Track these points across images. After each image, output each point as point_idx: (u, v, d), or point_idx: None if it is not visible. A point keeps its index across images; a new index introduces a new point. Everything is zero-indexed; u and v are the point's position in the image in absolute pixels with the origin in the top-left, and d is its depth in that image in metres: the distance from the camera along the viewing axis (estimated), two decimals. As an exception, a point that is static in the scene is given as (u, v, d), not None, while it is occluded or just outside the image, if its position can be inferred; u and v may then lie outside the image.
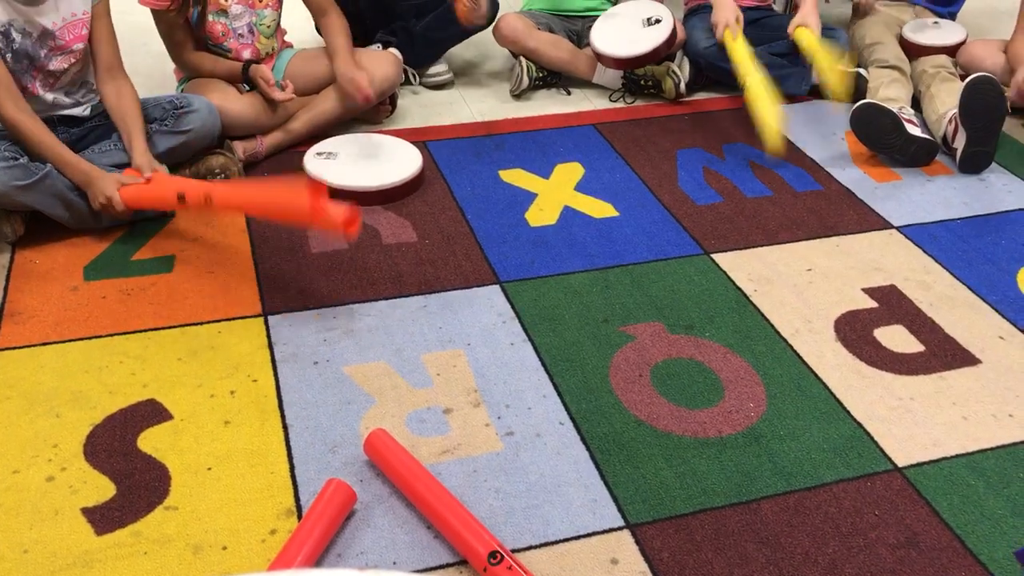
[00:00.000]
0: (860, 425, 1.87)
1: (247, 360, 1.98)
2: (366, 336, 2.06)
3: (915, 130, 2.78)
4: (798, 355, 2.05)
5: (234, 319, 2.10)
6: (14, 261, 2.27)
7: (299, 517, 1.63)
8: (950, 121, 2.80)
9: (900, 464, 1.78)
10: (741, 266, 2.33)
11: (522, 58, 3.15)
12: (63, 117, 2.38)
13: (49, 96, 2.33)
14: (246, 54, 2.69)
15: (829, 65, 2.89)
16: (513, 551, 1.57)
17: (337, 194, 2.52)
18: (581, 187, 2.66)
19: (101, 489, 1.67)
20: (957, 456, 1.80)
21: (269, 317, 2.11)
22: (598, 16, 3.19)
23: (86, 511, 1.63)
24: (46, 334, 2.04)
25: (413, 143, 2.74)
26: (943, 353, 2.07)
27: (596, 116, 3.07)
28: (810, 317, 2.16)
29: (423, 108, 3.10)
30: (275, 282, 2.21)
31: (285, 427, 1.82)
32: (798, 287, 2.26)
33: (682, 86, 3.11)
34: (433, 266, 2.30)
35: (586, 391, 1.93)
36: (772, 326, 2.13)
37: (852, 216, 2.56)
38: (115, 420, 1.82)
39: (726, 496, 1.70)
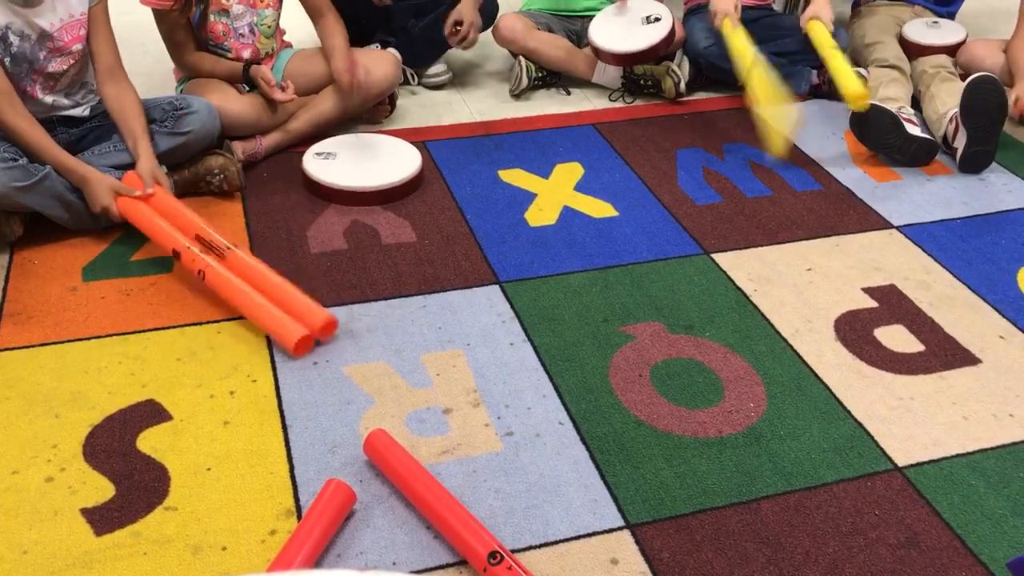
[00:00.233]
0: (860, 425, 1.87)
1: (246, 360, 1.98)
2: (366, 336, 2.06)
3: (915, 130, 2.78)
4: (798, 355, 2.04)
5: (234, 319, 2.09)
6: (13, 262, 2.27)
7: (299, 517, 1.63)
8: (951, 121, 2.79)
9: (900, 464, 1.78)
10: (741, 266, 2.33)
11: (521, 58, 3.15)
12: (62, 118, 2.38)
13: (49, 98, 2.33)
14: (246, 54, 2.69)
15: (840, 67, 2.81)
16: (513, 551, 1.57)
17: (337, 194, 2.53)
18: (581, 187, 2.66)
19: (100, 490, 1.67)
20: (957, 456, 1.80)
21: (268, 317, 2.11)
22: (599, 13, 3.19)
23: (85, 512, 1.63)
24: (45, 334, 2.04)
25: (412, 143, 2.74)
26: (943, 353, 2.07)
27: (596, 116, 3.07)
28: (810, 317, 2.16)
29: (422, 108, 3.10)
30: (274, 282, 2.21)
31: (284, 427, 1.82)
32: (798, 287, 2.26)
33: (682, 86, 3.10)
34: (432, 266, 2.30)
35: (586, 391, 1.92)
36: (772, 326, 2.13)
37: (852, 216, 2.56)
38: (114, 420, 1.82)
39: (726, 496, 1.70)
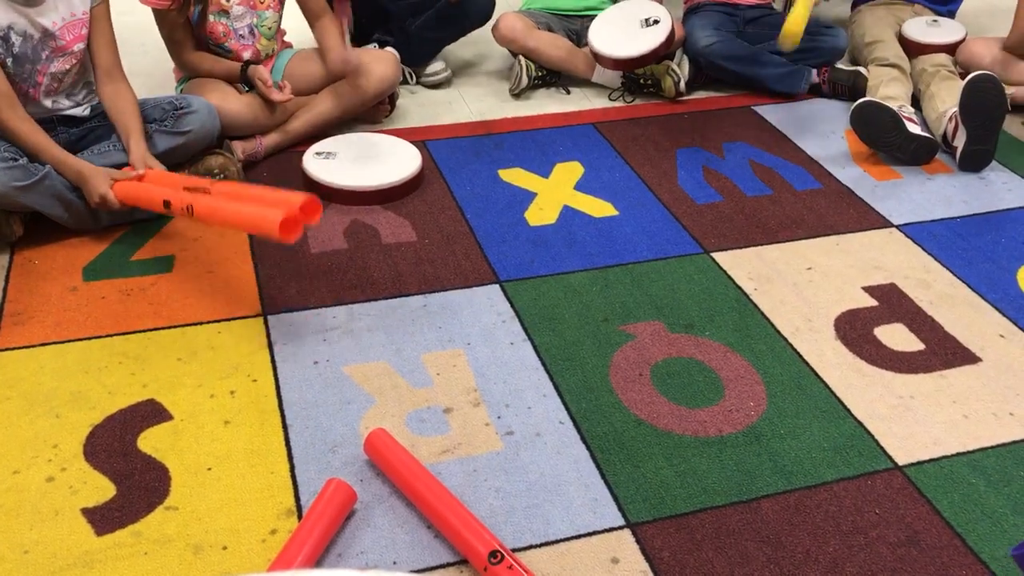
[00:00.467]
0: (860, 424, 1.87)
1: (247, 360, 1.98)
2: (366, 336, 2.06)
3: (915, 128, 2.78)
4: (798, 354, 2.04)
5: (234, 319, 2.10)
6: (13, 262, 2.27)
7: (299, 517, 1.63)
8: (950, 119, 2.79)
9: (901, 463, 1.78)
10: (741, 265, 2.33)
11: (521, 57, 3.15)
12: (63, 117, 2.38)
13: (50, 99, 2.34)
14: (246, 55, 2.69)
15: (799, 8, 2.89)
16: (513, 550, 1.57)
17: (337, 194, 2.53)
18: (581, 186, 2.66)
19: (101, 489, 1.67)
20: (958, 454, 1.80)
21: (269, 317, 2.11)
22: (597, 15, 3.19)
23: (86, 511, 1.63)
24: (46, 335, 2.04)
25: (412, 143, 2.74)
26: (943, 351, 2.07)
27: (595, 115, 3.07)
28: (810, 316, 2.16)
29: (422, 108, 3.10)
30: (275, 282, 2.21)
31: (285, 427, 1.82)
32: (798, 286, 2.26)
33: (681, 85, 3.10)
34: (433, 266, 2.30)
35: (586, 390, 1.93)
36: (772, 325, 2.13)
37: (852, 214, 2.56)
38: (115, 420, 1.82)
39: (726, 495, 1.70)
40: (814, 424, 1.86)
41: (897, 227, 2.51)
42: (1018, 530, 1.65)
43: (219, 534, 1.60)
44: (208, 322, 2.09)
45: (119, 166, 2.33)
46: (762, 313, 2.16)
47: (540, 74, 3.18)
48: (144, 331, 2.06)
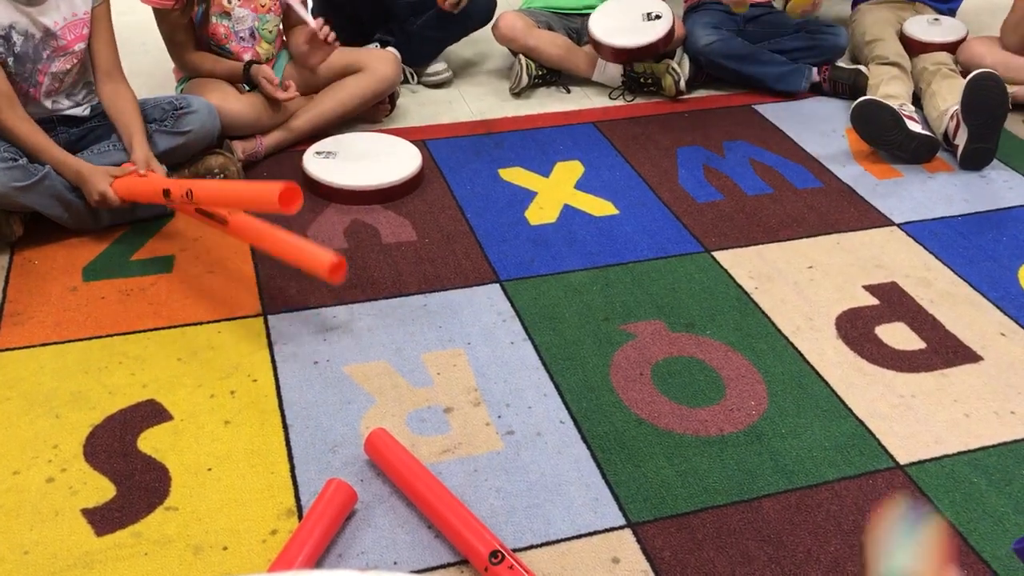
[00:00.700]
0: (862, 423, 1.86)
1: (247, 360, 1.98)
2: (366, 335, 2.06)
3: (916, 127, 2.78)
4: (799, 353, 2.04)
5: (234, 319, 2.09)
6: (13, 262, 2.26)
7: (300, 517, 1.62)
8: (952, 118, 2.79)
9: (902, 462, 1.78)
10: (742, 264, 2.33)
11: (521, 56, 3.14)
12: (63, 117, 2.38)
13: (50, 99, 2.33)
14: (247, 56, 2.69)
15: None
16: (514, 550, 1.57)
17: (337, 194, 2.53)
18: (581, 185, 2.66)
19: (101, 490, 1.67)
20: (959, 453, 1.80)
21: (269, 317, 2.11)
22: (599, 6, 3.18)
23: (86, 512, 1.63)
24: (45, 335, 2.04)
25: (412, 142, 2.73)
26: (944, 350, 2.07)
27: (596, 114, 3.07)
28: (811, 314, 2.16)
29: (422, 107, 3.10)
30: (275, 281, 2.21)
31: (285, 427, 1.81)
32: (799, 284, 2.26)
33: (682, 84, 3.10)
34: (433, 265, 2.29)
35: (587, 390, 1.92)
36: (773, 324, 2.12)
37: (853, 213, 2.56)
38: (115, 421, 1.82)
39: (727, 494, 1.70)
40: (815, 423, 1.86)
41: (898, 226, 2.51)
42: (1020, 529, 1.64)
43: (219, 534, 1.59)
44: (208, 322, 2.09)
45: (118, 165, 2.33)
46: (763, 312, 2.16)
47: (540, 73, 3.18)
48: (144, 331, 2.05)
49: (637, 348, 2.04)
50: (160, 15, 2.60)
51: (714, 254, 2.37)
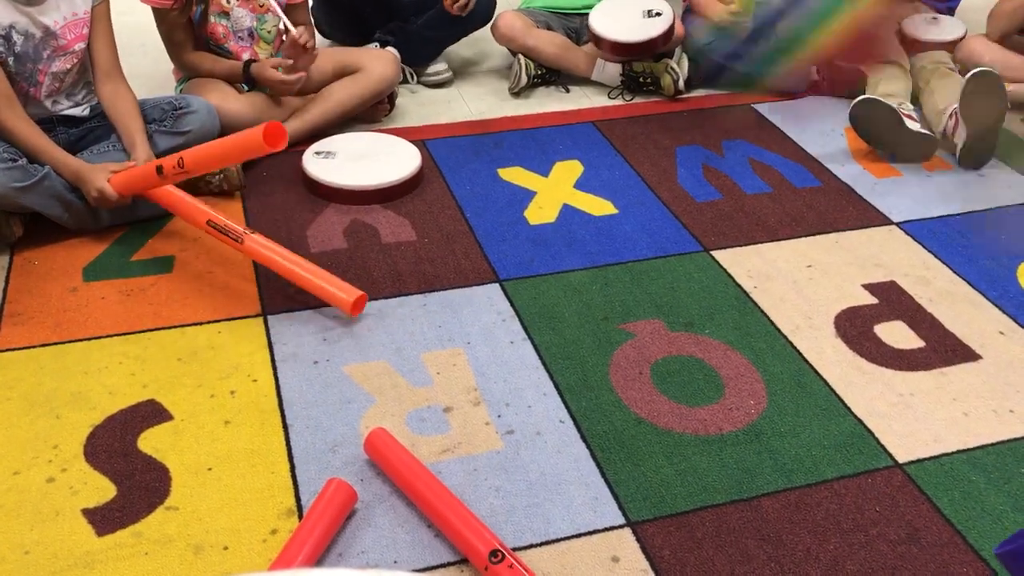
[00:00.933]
0: (860, 421, 1.87)
1: (247, 360, 1.98)
2: (366, 335, 2.06)
3: (914, 125, 2.78)
4: (798, 352, 2.04)
5: (234, 319, 2.10)
6: (13, 262, 2.27)
7: (300, 517, 1.63)
8: (950, 116, 2.79)
9: (901, 460, 1.78)
10: (741, 263, 2.33)
11: (521, 56, 3.15)
12: (62, 117, 2.38)
13: (50, 99, 2.34)
14: (245, 56, 2.69)
15: None
16: (514, 549, 1.57)
17: (336, 193, 2.53)
18: (580, 185, 2.66)
19: (102, 490, 1.67)
20: (958, 452, 1.80)
21: (269, 317, 2.11)
22: (601, 1, 3.19)
23: (87, 512, 1.63)
24: (46, 335, 2.04)
25: (412, 142, 2.73)
26: (943, 349, 2.07)
27: (595, 114, 3.07)
28: (810, 313, 2.16)
29: (421, 107, 3.10)
30: (275, 281, 2.21)
31: (285, 427, 1.82)
32: (798, 283, 2.26)
33: (681, 83, 3.10)
34: (432, 265, 2.30)
35: (586, 389, 1.93)
36: (772, 323, 2.13)
37: (851, 212, 2.56)
38: (115, 421, 1.82)
39: (727, 493, 1.70)
40: (814, 422, 1.86)
41: (897, 224, 2.51)
42: (1019, 527, 1.64)
43: (220, 534, 1.60)
44: (208, 322, 2.09)
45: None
46: (762, 311, 2.16)
47: (539, 72, 3.18)
48: (144, 331, 2.06)
49: (636, 347, 2.05)
50: (159, 15, 2.60)
51: (713, 253, 2.37)
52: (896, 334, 2.11)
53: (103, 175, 2.23)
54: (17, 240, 2.31)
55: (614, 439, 1.81)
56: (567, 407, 1.88)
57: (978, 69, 2.70)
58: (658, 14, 3.10)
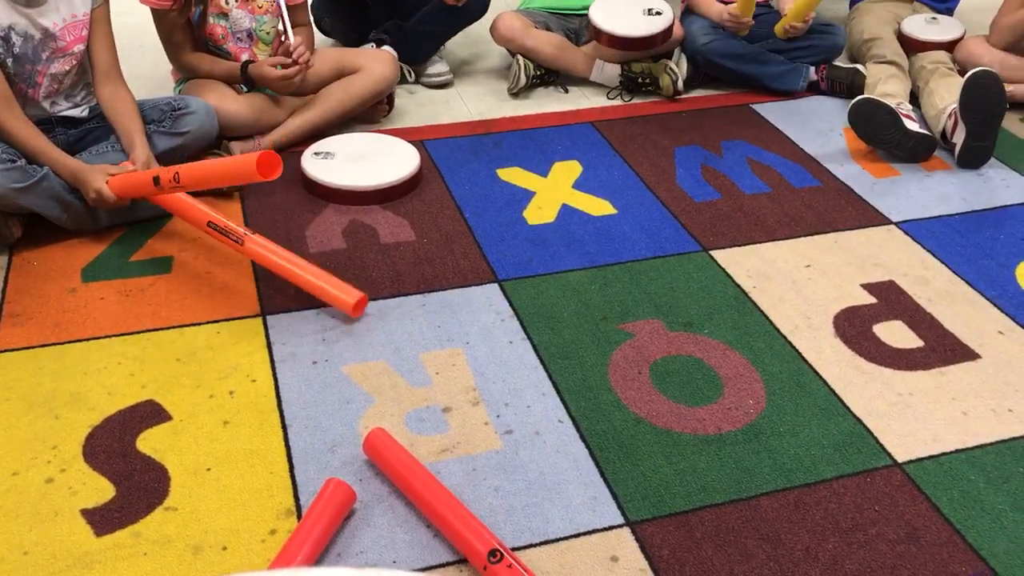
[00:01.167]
0: (860, 421, 1.87)
1: (246, 360, 1.98)
2: (365, 335, 2.06)
3: (913, 125, 2.78)
4: (797, 351, 2.04)
5: (232, 319, 2.10)
6: (12, 263, 2.27)
7: (299, 517, 1.63)
8: (949, 116, 2.79)
9: (900, 459, 1.78)
10: (740, 263, 2.33)
11: (520, 56, 3.15)
12: (61, 118, 2.38)
13: (49, 100, 2.34)
14: (244, 57, 2.69)
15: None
16: (513, 549, 1.57)
17: (335, 194, 2.53)
18: (579, 185, 2.66)
19: (100, 490, 1.67)
20: (957, 451, 1.80)
21: (267, 317, 2.11)
22: None
23: (86, 512, 1.63)
24: (44, 336, 2.04)
25: (411, 142, 2.74)
26: (942, 348, 2.07)
27: (594, 114, 3.07)
28: (809, 313, 2.16)
29: (420, 107, 3.10)
30: (273, 282, 2.21)
31: (284, 427, 1.82)
32: (797, 283, 2.26)
33: (680, 83, 3.11)
34: (431, 265, 2.30)
35: (585, 389, 1.93)
36: (771, 323, 2.13)
37: (850, 212, 2.56)
38: (114, 421, 1.82)
39: (726, 493, 1.70)
40: (813, 422, 1.86)
41: (896, 224, 2.51)
42: (1017, 526, 1.65)
43: (219, 534, 1.60)
44: (207, 322, 2.09)
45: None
46: (761, 311, 2.16)
47: (538, 73, 3.18)
48: (143, 332, 2.06)
49: (635, 347, 2.05)
50: (158, 15, 2.60)
51: (712, 253, 2.37)
52: (895, 334, 2.11)
53: (101, 176, 2.23)
54: (16, 241, 2.31)
55: (613, 439, 1.81)
56: (566, 407, 1.88)
57: (977, 69, 2.70)
58: (658, 13, 3.11)
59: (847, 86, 3.12)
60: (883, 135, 2.77)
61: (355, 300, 2.07)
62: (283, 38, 2.70)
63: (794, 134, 2.94)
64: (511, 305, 2.16)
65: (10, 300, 2.14)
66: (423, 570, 1.55)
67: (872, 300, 2.21)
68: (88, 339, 2.03)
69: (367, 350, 2.01)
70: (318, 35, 3.09)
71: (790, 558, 1.58)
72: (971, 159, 2.76)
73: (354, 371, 1.96)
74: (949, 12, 3.37)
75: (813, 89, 3.20)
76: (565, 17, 3.30)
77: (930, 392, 1.95)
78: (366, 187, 2.53)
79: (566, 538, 1.61)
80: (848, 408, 1.90)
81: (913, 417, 1.88)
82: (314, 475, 1.71)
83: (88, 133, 2.43)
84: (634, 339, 2.07)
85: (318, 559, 1.54)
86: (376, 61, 2.85)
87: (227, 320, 2.10)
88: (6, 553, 1.56)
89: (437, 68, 3.24)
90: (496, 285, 2.23)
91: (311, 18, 2.92)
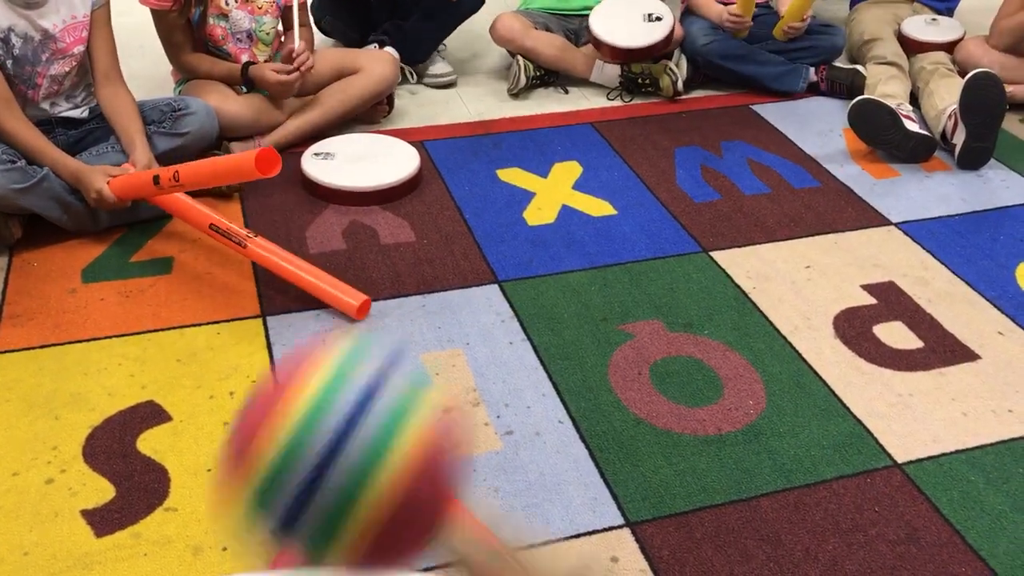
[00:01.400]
0: (859, 421, 1.87)
1: (246, 361, 1.98)
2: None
3: (913, 126, 2.78)
4: (797, 352, 2.04)
5: (233, 320, 2.10)
6: (12, 264, 2.27)
7: (299, 517, 1.62)
8: (949, 117, 2.80)
9: (900, 460, 1.78)
10: (740, 263, 2.33)
11: (520, 57, 3.15)
12: (61, 119, 2.38)
13: (49, 101, 2.34)
14: (244, 58, 2.69)
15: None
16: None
17: (335, 195, 2.53)
18: (579, 186, 2.66)
19: (101, 491, 1.67)
20: (957, 452, 1.80)
21: (268, 318, 2.11)
22: (601, 3, 3.19)
23: (86, 513, 1.63)
24: (45, 336, 2.04)
25: (411, 143, 2.74)
26: (942, 349, 2.07)
27: (594, 115, 3.07)
28: (809, 314, 2.16)
29: (420, 108, 3.10)
30: (273, 283, 2.21)
31: (284, 428, 1.81)
32: (797, 284, 2.26)
33: (680, 84, 3.11)
34: (431, 266, 2.30)
35: (585, 390, 1.93)
36: (771, 323, 2.13)
37: (850, 213, 2.56)
38: (114, 422, 1.82)
39: (726, 493, 1.70)
40: (813, 422, 1.86)
41: (895, 225, 2.51)
42: (1017, 527, 1.65)
43: (219, 535, 1.60)
44: (207, 323, 2.09)
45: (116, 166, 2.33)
46: (761, 312, 2.17)
47: (538, 74, 3.18)
48: (143, 332, 2.06)
49: (635, 348, 2.05)
50: (158, 16, 2.60)
51: (712, 254, 2.37)
52: (895, 334, 2.11)
53: (102, 177, 2.23)
54: (16, 241, 2.31)
55: (613, 439, 1.81)
56: (566, 408, 1.88)
57: (977, 70, 2.70)
58: (659, 18, 3.10)
59: (847, 87, 3.12)
60: (883, 136, 2.78)
61: (359, 303, 2.08)
62: (283, 39, 2.70)
63: (794, 135, 2.94)
64: (511, 306, 2.16)
65: (10, 301, 2.14)
66: (423, 571, 1.55)
67: (872, 301, 2.22)
68: (88, 340, 2.03)
69: (367, 351, 2.01)
70: (318, 35, 3.09)
71: (790, 559, 1.58)
72: (971, 160, 2.76)
73: (354, 372, 1.95)
74: (949, 13, 3.38)
75: (813, 90, 3.21)
76: (565, 18, 3.30)
77: (930, 393, 1.95)
78: (366, 188, 2.53)
79: (566, 538, 1.61)
80: (848, 409, 1.90)
81: (913, 418, 1.88)
82: (314, 476, 1.70)
83: (88, 134, 2.43)
84: (634, 340, 2.07)
85: (318, 560, 1.54)
86: (376, 61, 2.85)
87: (227, 321, 2.10)
88: (6, 554, 1.56)
89: (440, 68, 3.24)
90: (496, 286, 2.24)
91: (311, 18, 2.92)
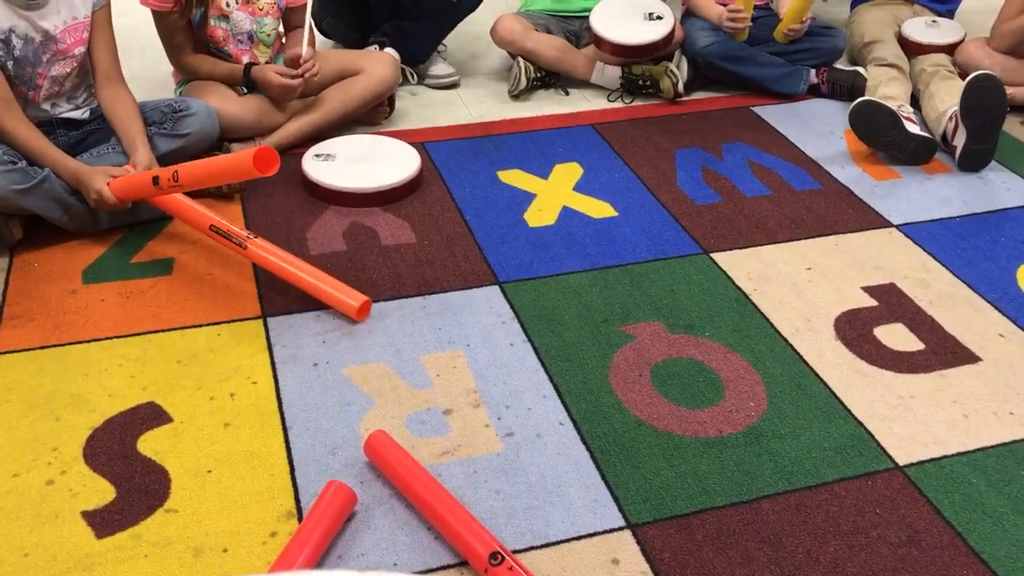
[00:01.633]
0: (861, 424, 1.87)
1: (246, 362, 1.98)
2: (365, 337, 2.06)
3: (914, 128, 2.78)
4: (798, 354, 2.04)
5: (233, 321, 2.10)
6: (13, 264, 2.27)
7: (299, 519, 1.62)
8: (950, 119, 2.80)
9: (901, 462, 1.78)
10: (740, 265, 2.33)
11: (520, 58, 3.15)
12: (62, 120, 2.38)
13: (50, 102, 2.34)
14: (245, 59, 2.69)
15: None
16: (514, 552, 1.57)
17: (336, 196, 2.53)
18: (580, 187, 2.66)
19: (101, 492, 1.67)
20: (958, 454, 1.80)
21: (268, 319, 2.11)
22: (602, 1, 3.19)
23: (86, 514, 1.63)
24: (45, 337, 2.04)
25: (411, 144, 2.74)
26: (943, 351, 2.07)
27: (594, 116, 3.07)
28: (810, 316, 2.16)
29: (421, 109, 3.10)
30: (274, 284, 2.21)
31: (285, 429, 1.81)
32: (798, 286, 2.26)
33: (680, 86, 3.11)
34: (432, 267, 2.30)
35: (586, 391, 1.92)
36: (772, 325, 2.13)
37: (851, 214, 2.56)
38: (115, 423, 1.82)
39: (727, 495, 1.70)
40: (814, 424, 1.86)
41: (896, 227, 2.51)
42: (1019, 529, 1.65)
43: (219, 536, 1.59)
44: (207, 324, 2.09)
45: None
46: (762, 313, 2.16)
47: (539, 75, 3.18)
48: (143, 333, 2.06)
49: (636, 349, 2.05)
50: (158, 17, 2.60)
51: (713, 256, 2.37)
52: (896, 336, 2.11)
53: (102, 178, 2.23)
54: (17, 242, 2.31)
55: (614, 441, 1.81)
56: (567, 409, 1.88)
57: (978, 72, 2.70)
58: (659, 17, 3.11)
59: (848, 88, 3.13)
60: (884, 137, 2.78)
61: (360, 304, 2.08)
62: (284, 40, 2.70)
63: (795, 136, 2.94)
64: (512, 307, 2.16)
65: (11, 302, 2.14)
66: (424, 572, 1.55)
67: (873, 303, 2.21)
68: (89, 341, 2.03)
69: (368, 352, 2.01)
70: (318, 36, 3.09)
71: (791, 561, 1.58)
72: (972, 162, 2.76)
73: (355, 373, 1.96)
74: (950, 15, 3.38)
75: (814, 92, 3.21)
76: (565, 19, 3.30)
77: (931, 395, 1.95)
78: (367, 189, 2.53)
79: (567, 540, 1.60)
80: (849, 411, 1.90)
81: (914, 420, 1.88)
82: (315, 477, 1.71)
83: (89, 135, 2.43)
84: (635, 341, 2.07)
85: (319, 562, 1.54)
86: (377, 63, 2.85)
87: (228, 322, 2.09)
88: (6, 555, 1.55)
89: (442, 69, 3.24)
90: (497, 287, 2.23)
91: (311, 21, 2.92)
